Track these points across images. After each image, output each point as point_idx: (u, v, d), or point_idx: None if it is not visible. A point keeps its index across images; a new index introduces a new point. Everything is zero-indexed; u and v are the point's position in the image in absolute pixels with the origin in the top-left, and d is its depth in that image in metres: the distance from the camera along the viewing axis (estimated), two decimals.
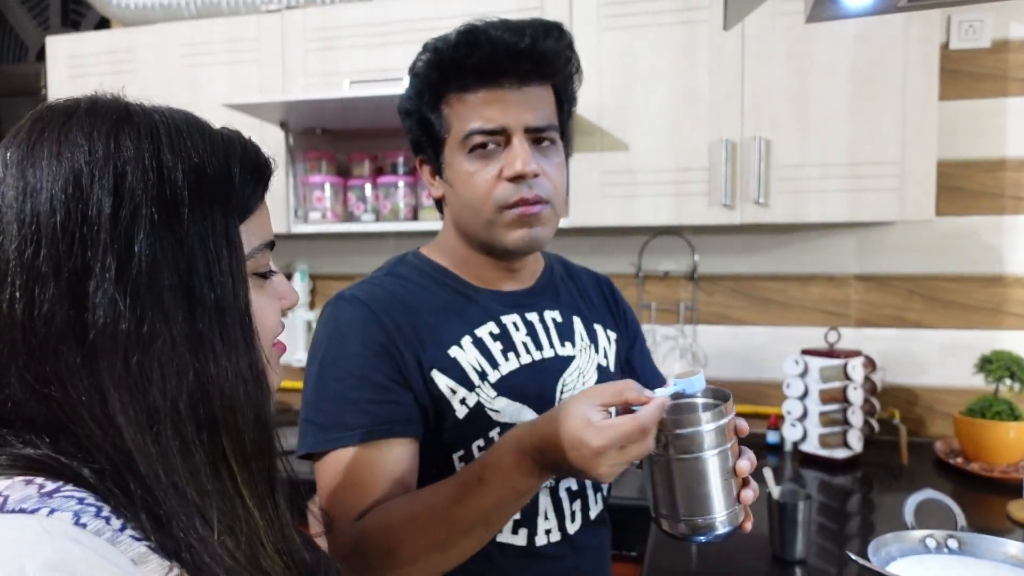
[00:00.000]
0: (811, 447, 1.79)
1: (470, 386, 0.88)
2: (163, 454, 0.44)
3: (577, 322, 1.00)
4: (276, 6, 2.06)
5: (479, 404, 0.87)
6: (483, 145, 0.86)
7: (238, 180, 0.50)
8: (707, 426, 0.69)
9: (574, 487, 0.95)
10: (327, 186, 2.03)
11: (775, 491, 1.26)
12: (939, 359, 1.95)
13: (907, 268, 1.96)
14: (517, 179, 0.85)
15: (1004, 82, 1.87)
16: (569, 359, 0.96)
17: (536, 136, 0.88)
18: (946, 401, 1.94)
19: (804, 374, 1.80)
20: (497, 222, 0.87)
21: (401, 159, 2.08)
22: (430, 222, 1.97)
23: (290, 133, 2.05)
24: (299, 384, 1.92)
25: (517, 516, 0.88)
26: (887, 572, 0.94)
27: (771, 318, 2.05)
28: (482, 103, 0.86)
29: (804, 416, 1.80)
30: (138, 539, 0.42)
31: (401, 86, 1.78)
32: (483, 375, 0.89)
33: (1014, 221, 1.89)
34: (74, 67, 2.14)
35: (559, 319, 0.98)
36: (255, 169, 0.52)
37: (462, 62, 0.85)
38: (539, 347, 0.94)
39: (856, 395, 1.76)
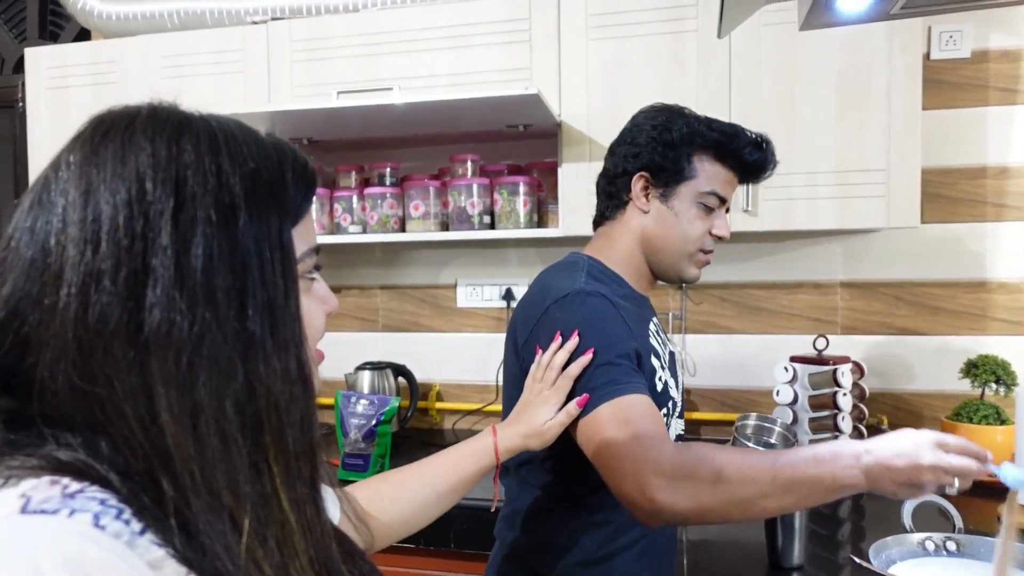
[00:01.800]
0: None
1: (663, 367, 1.13)
2: (202, 453, 0.44)
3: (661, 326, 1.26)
4: (261, 17, 2.05)
5: (665, 381, 1.13)
6: (711, 204, 1.14)
7: (290, 186, 0.52)
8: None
9: None
10: (314, 198, 2.01)
11: None
12: (926, 364, 1.96)
13: (893, 275, 1.98)
14: (718, 238, 1.17)
15: (984, 91, 1.90)
16: (673, 352, 1.24)
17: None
18: (933, 406, 1.96)
19: (793, 381, 1.81)
20: (692, 259, 1.17)
21: (388, 170, 2.07)
22: (417, 233, 1.96)
23: None
24: None
25: None
26: (889, 575, 0.94)
27: (760, 326, 2.06)
28: (726, 180, 1.16)
29: (794, 422, 1.81)
30: (157, 544, 0.42)
31: (390, 96, 1.78)
32: (664, 359, 1.15)
33: (996, 228, 1.92)
34: (54, 79, 2.11)
35: (658, 323, 1.25)
36: (305, 176, 0.54)
37: (746, 156, 1.13)
38: (664, 343, 1.21)
39: (845, 401, 1.76)
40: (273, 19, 2.02)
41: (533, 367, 1.05)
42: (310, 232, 0.56)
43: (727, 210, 1.19)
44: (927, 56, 1.91)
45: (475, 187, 1.92)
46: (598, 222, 1.24)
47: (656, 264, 1.18)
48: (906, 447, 0.83)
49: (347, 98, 1.79)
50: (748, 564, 1.26)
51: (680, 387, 1.26)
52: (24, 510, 0.40)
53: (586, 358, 0.99)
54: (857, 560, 0.96)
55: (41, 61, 2.13)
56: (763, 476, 0.86)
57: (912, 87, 1.65)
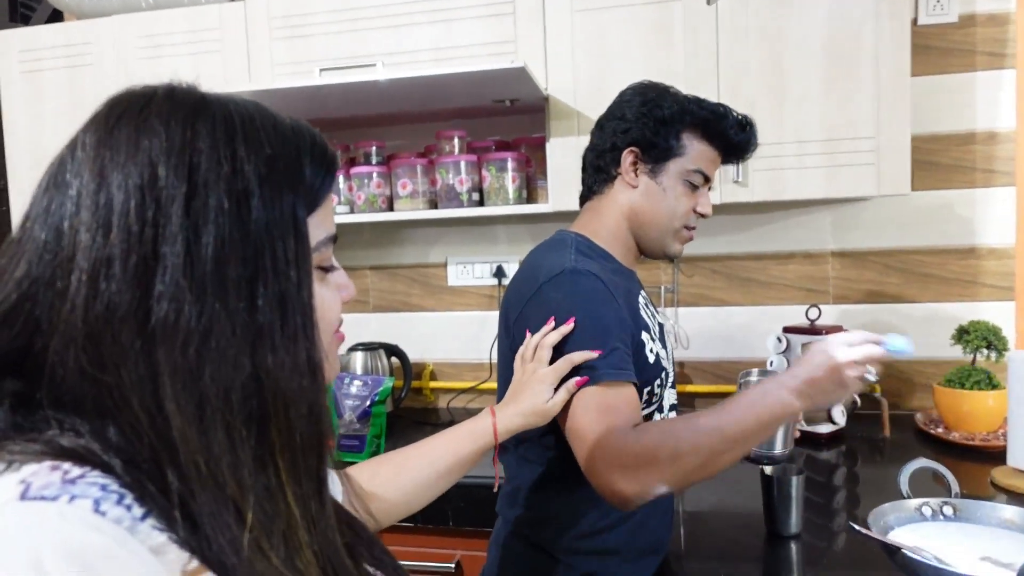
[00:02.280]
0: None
1: (653, 339, 1.15)
2: (207, 445, 0.43)
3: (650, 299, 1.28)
4: None
5: (657, 353, 1.15)
6: (696, 182, 1.16)
7: (308, 172, 0.50)
8: None
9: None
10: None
11: (767, 467, 1.26)
12: (917, 332, 1.97)
13: (883, 243, 1.98)
14: (701, 215, 1.19)
15: (972, 56, 1.89)
16: (662, 324, 1.26)
17: None
18: (925, 373, 1.97)
19: (786, 351, 1.81)
20: (677, 235, 1.19)
21: (374, 148, 2.04)
22: (406, 212, 1.94)
23: None
24: None
25: None
26: (889, 540, 0.94)
27: (751, 297, 2.06)
28: (711, 159, 1.18)
29: None
30: (159, 529, 0.41)
31: (374, 72, 1.74)
32: (654, 331, 1.17)
33: (985, 193, 1.92)
34: (26, 62, 2.06)
35: (647, 296, 1.25)
36: (324, 161, 0.52)
37: (731, 135, 1.16)
38: (654, 315, 1.22)
39: None
40: None
41: (522, 347, 1.05)
42: (328, 219, 0.54)
43: (709, 188, 1.21)
44: (915, 21, 1.90)
45: (463, 164, 1.90)
46: (585, 197, 1.24)
47: (642, 239, 1.19)
48: (819, 358, 0.92)
49: (330, 75, 1.76)
50: (746, 533, 1.27)
51: (671, 358, 1.27)
52: (24, 496, 0.39)
53: (590, 354, 1.00)
54: (855, 527, 0.96)
55: (13, 44, 2.07)
56: (713, 438, 0.93)
57: (900, 53, 1.63)
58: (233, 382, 0.44)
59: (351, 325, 2.29)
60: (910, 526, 1.04)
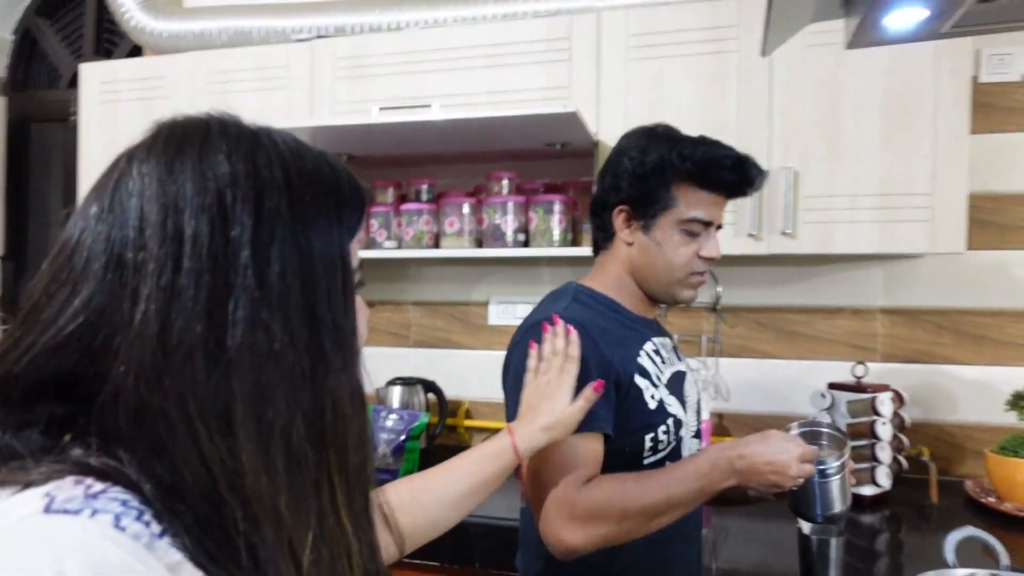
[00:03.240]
0: None
1: (656, 386, 1.13)
2: (271, 471, 0.45)
3: (672, 346, 1.27)
4: (306, 36, 2.09)
5: (661, 399, 1.13)
6: (695, 230, 1.13)
7: (348, 202, 0.53)
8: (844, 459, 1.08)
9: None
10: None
11: (806, 527, 1.22)
12: (969, 395, 1.90)
13: (936, 302, 1.93)
14: (708, 259, 1.16)
15: None
16: (683, 372, 1.24)
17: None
18: (977, 439, 1.89)
19: (831, 408, 1.76)
20: (683, 282, 1.16)
21: (425, 186, 2.09)
22: (451, 250, 1.97)
23: None
24: None
25: None
26: None
27: (796, 351, 2.02)
28: (709, 203, 1.14)
29: None
30: (176, 547, 0.42)
31: (430, 113, 1.80)
32: (659, 378, 1.15)
33: None
34: (106, 93, 2.18)
35: (667, 343, 1.24)
36: (359, 192, 0.55)
37: (723, 177, 1.12)
38: (670, 362, 1.21)
39: (885, 430, 1.72)
40: (318, 37, 2.06)
41: (530, 361, 1.06)
42: (356, 249, 0.57)
43: (719, 227, 1.18)
44: (976, 79, 1.87)
45: (510, 205, 1.93)
46: (596, 251, 1.25)
47: (648, 291, 1.19)
48: (779, 459, 1.00)
49: (387, 114, 1.81)
50: None
51: (695, 408, 1.24)
52: (48, 509, 0.40)
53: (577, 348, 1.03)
54: None
55: (94, 76, 2.20)
56: (659, 502, 0.99)
57: (960, 110, 1.61)
58: (299, 407, 0.46)
59: (391, 359, 2.32)
60: None
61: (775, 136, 1.70)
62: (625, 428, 1.08)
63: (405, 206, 2.03)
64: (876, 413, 1.72)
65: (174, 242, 0.45)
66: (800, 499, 1.09)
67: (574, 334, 1.04)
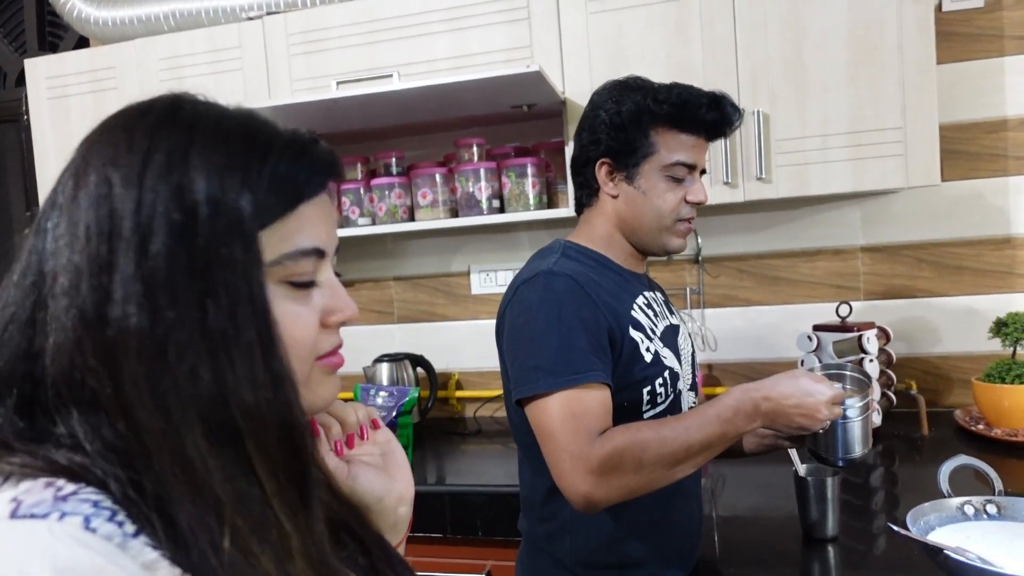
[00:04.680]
0: None
1: (650, 338, 1.12)
2: (180, 451, 0.43)
3: (664, 299, 1.27)
4: (256, 13, 2.02)
5: (656, 352, 1.12)
6: (679, 175, 1.13)
7: (268, 183, 0.49)
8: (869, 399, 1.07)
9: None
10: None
11: (801, 469, 1.23)
12: (952, 326, 1.92)
13: (914, 236, 1.93)
14: (695, 203, 1.15)
15: (1000, 41, 1.84)
16: (677, 326, 1.24)
17: (700, 173, 1.18)
18: (963, 368, 1.91)
19: (818, 350, 1.77)
20: (671, 229, 1.15)
21: (394, 159, 2.05)
22: (427, 222, 1.94)
23: None
24: None
25: None
26: (930, 541, 0.91)
27: (780, 296, 2.02)
28: (690, 146, 1.13)
29: None
30: (151, 546, 0.41)
31: (391, 83, 1.75)
32: (653, 331, 1.14)
33: (1019, 182, 1.86)
34: (54, 88, 2.10)
35: (659, 297, 1.24)
36: (290, 172, 0.50)
37: (702, 116, 1.11)
38: (662, 316, 1.20)
39: (873, 367, 1.73)
40: (268, 14, 1.99)
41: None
42: (305, 231, 0.51)
43: (703, 172, 1.17)
44: (939, 8, 1.86)
45: (482, 171, 1.89)
46: (579, 209, 1.23)
47: (638, 242, 1.18)
48: (808, 401, 0.99)
49: (347, 88, 1.77)
50: (782, 538, 1.24)
51: (689, 361, 1.24)
52: (14, 515, 0.39)
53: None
54: (895, 528, 0.93)
55: (40, 72, 2.12)
56: (679, 449, 0.97)
57: (925, 41, 1.59)
58: (197, 392, 0.44)
59: (376, 336, 2.30)
60: (952, 526, 1.00)
61: (742, 78, 1.67)
62: (623, 382, 1.07)
63: (375, 181, 1.99)
64: (863, 351, 1.73)
65: (73, 221, 0.46)
66: (821, 442, 1.08)
67: None
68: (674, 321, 1.24)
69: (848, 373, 1.14)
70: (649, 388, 1.10)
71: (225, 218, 0.46)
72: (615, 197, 1.15)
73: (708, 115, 1.11)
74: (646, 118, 1.11)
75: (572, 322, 1.02)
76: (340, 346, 0.56)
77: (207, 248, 0.45)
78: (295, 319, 0.51)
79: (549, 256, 1.12)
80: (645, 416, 1.10)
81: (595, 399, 1.01)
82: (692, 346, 1.29)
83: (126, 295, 0.44)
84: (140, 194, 0.45)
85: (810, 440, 1.08)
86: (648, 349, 1.11)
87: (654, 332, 1.15)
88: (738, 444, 1.19)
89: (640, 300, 1.16)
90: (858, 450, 1.07)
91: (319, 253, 0.52)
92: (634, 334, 1.10)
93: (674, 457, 0.97)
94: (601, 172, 1.15)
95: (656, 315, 1.18)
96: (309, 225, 0.51)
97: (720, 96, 1.12)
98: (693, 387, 1.24)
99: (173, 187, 0.46)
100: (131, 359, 0.44)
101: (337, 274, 0.56)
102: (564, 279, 1.05)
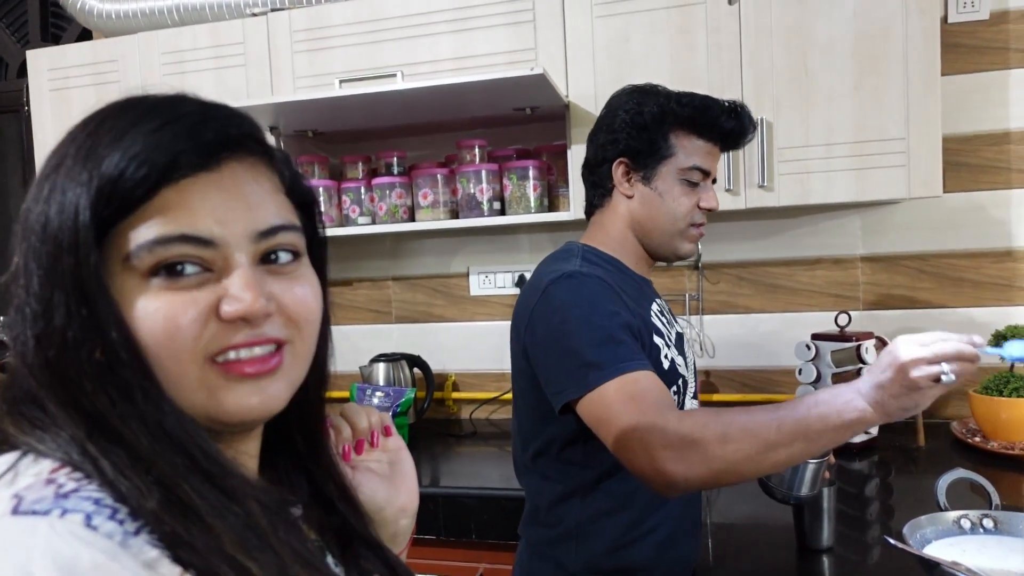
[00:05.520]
0: None
1: (668, 345, 1.13)
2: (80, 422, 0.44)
3: (668, 308, 1.27)
4: (261, 9, 2.02)
5: (672, 359, 1.13)
6: (694, 179, 1.13)
7: (128, 168, 0.45)
8: None
9: None
10: (321, 190, 1.99)
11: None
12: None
13: (914, 247, 1.93)
14: (708, 210, 1.15)
15: (1005, 54, 1.84)
16: (681, 332, 1.25)
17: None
18: (961, 380, 1.90)
19: (816, 359, 1.77)
20: (683, 234, 1.16)
21: (395, 159, 2.04)
22: (427, 222, 1.94)
23: (281, 137, 2.01)
24: None
25: None
26: (926, 555, 0.90)
27: (779, 304, 2.02)
28: (707, 152, 1.15)
29: None
30: (152, 544, 0.41)
31: (395, 83, 1.75)
32: (669, 338, 1.15)
33: (1021, 194, 1.86)
34: (55, 80, 2.10)
35: (665, 304, 1.25)
36: (152, 157, 0.45)
37: (722, 124, 1.13)
38: (671, 323, 1.22)
39: None
40: (273, 10, 1.99)
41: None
42: (174, 218, 0.45)
43: (714, 180, 1.19)
44: (944, 19, 1.85)
45: (484, 173, 1.89)
46: (589, 211, 1.23)
47: (649, 245, 1.18)
48: (885, 359, 0.84)
49: (350, 86, 1.76)
50: (776, 547, 1.23)
51: (692, 368, 1.24)
52: (15, 511, 0.39)
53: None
54: (891, 540, 0.92)
55: (42, 63, 2.11)
56: (768, 428, 0.87)
57: (930, 52, 1.59)
58: (71, 368, 0.44)
59: (373, 336, 2.29)
60: (948, 539, 1.00)
61: (746, 87, 1.67)
62: None
63: (376, 180, 1.98)
64: (861, 361, 1.73)
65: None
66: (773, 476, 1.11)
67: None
68: (679, 329, 1.25)
69: None
70: None
71: (64, 203, 0.45)
72: (630, 197, 1.16)
73: (727, 123, 1.13)
74: (668, 119, 1.12)
75: (608, 318, 1.02)
76: (248, 345, 0.48)
77: (53, 253, 0.45)
78: (144, 314, 0.45)
79: (571, 259, 1.12)
80: None
81: (650, 380, 0.98)
82: (692, 354, 1.29)
83: (9, 280, 0.46)
84: (37, 179, 0.48)
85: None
86: (666, 356, 1.12)
87: (670, 339, 1.16)
88: None
89: (655, 307, 1.17)
90: (804, 489, 1.11)
91: (191, 239, 0.46)
92: (656, 340, 1.11)
93: (764, 440, 0.87)
94: (618, 171, 1.16)
95: (667, 322, 1.19)
96: (176, 210, 0.46)
97: (740, 106, 1.14)
98: (695, 395, 1.24)
99: (45, 174, 0.47)
100: (16, 338, 0.46)
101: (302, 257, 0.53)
102: (594, 280, 1.06)
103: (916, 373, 0.81)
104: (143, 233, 0.45)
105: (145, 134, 0.46)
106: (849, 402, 0.85)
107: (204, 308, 0.46)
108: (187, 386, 0.46)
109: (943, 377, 0.81)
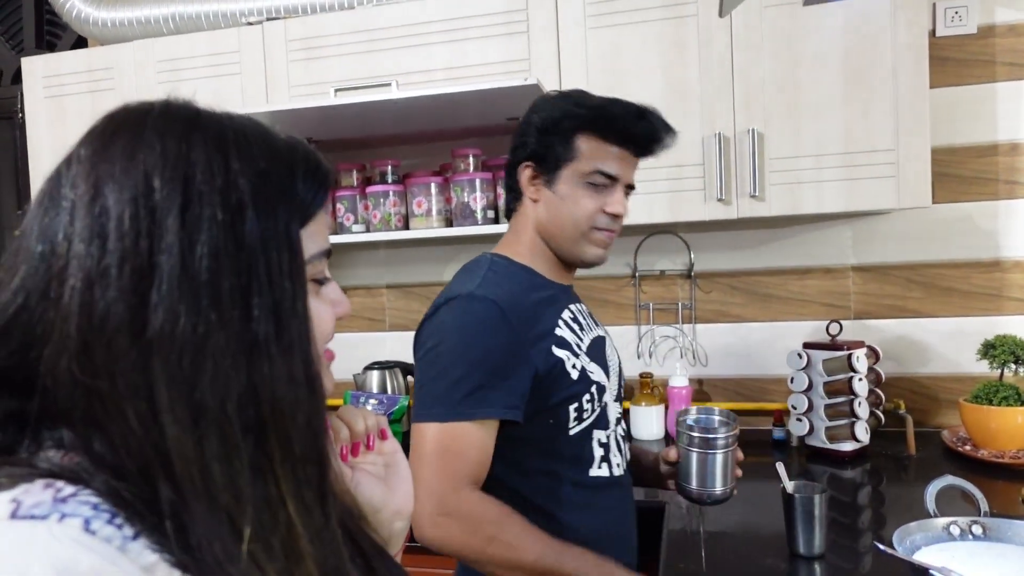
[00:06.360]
0: (818, 441, 1.76)
1: (576, 355, 1.11)
2: (202, 455, 0.43)
3: (588, 311, 1.25)
4: (256, 18, 2.03)
5: (583, 368, 1.11)
6: (597, 183, 1.11)
7: (300, 186, 0.51)
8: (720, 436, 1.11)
9: (622, 434, 1.22)
10: (326, 199, 1.99)
11: (789, 486, 1.23)
12: (941, 347, 1.93)
13: (904, 257, 1.95)
14: (613, 216, 1.13)
15: (992, 67, 1.87)
16: (603, 337, 1.23)
17: (627, 190, 1.17)
18: (951, 389, 1.92)
19: (808, 368, 1.78)
20: (587, 237, 1.13)
21: (390, 167, 2.05)
22: (421, 230, 1.94)
23: None
24: None
25: (602, 453, 1.14)
26: (916, 561, 0.91)
27: (770, 313, 2.04)
28: (614, 156, 1.12)
29: (810, 410, 1.78)
30: (151, 548, 0.41)
31: (389, 92, 1.76)
32: (579, 347, 1.13)
33: (1008, 205, 1.88)
34: (51, 87, 2.10)
35: (584, 309, 1.23)
36: (316, 176, 0.52)
37: (630, 128, 1.10)
38: (588, 328, 1.19)
39: (861, 386, 1.74)
40: (268, 19, 2.00)
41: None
42: (322, 234, 0.54)
43: (631, 188, 1.17)
44: (932, 33, 1.88)
45: (478, 182, 1.90)
46: (508, 216, 1.23)
47: (557, 250, 1.16)
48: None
49: (345, 95, 1.77)
50: (768, 554, 1.24)
51: (617, 372, 1.24)
52: (14, 515, 0.39)
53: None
54: (881, 547, 0.93)
55: (37, 70, 2.12)
56: (529, 557, 0.97)
57: (918, 65, 1.62)
58: (229, 392, 0.44)
59: (367, 344, 2.29)
60: (938, 546, 1.01)
61: (738, 100, 1.69)
62: (547, 403, 1.07)
63: (371, 188, 1.99)
64: (852, 370, 1.74)
65: (100, 220, 0.44)
66: (682, 471, 1.12)
67: None
68: (600, 333, 1.23)
69: (716, 417, 1.19)
70: (576, 405, 1.10)
71: (272, 222, 0.48)
72: (536, 201, 1.15)
73: (633, 127, 1.11)
74: (567, 122, 1.10)
75: (482, 353, 1.02)
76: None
77: (254, 250, 0.46)
78: (320, 315, 0.53)
79: (475, 274, 1.11)
80: (571, 432, 1.10)
81: (475, 440, 1.01)
82: (618, 356, 1.28)
83: (168, 298, 0.43)
84: (186, 194, 0.45)
85: (679, 475, 1.13)
86: (574, 366, 1.10)
87: (580, 348, 1.13)
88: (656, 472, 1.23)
89: (566, 315, 1.15)
90: (718, 487, 1.11)
91: (328, 253, 0.55)
92: (559, 353, 1.09)
93: (520, 561, 0.97)
94: (524, 175, 1.15)
95: (582, 328, 1.17)
96: (323, 227, 0.54)
97: (648, 110, 1.12)
98: (619, 398, 1.24)
99: (220, 191, 0.46)
100: (169, 361, 0.43)
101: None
102: (485, 304, 1.04)
103: None
104: (316, 243, 0.53)
105: (310, 172, 0.52)
106: (606, 566, 0.98)
107: (332, 310, 0.56)
108: None
109: None
